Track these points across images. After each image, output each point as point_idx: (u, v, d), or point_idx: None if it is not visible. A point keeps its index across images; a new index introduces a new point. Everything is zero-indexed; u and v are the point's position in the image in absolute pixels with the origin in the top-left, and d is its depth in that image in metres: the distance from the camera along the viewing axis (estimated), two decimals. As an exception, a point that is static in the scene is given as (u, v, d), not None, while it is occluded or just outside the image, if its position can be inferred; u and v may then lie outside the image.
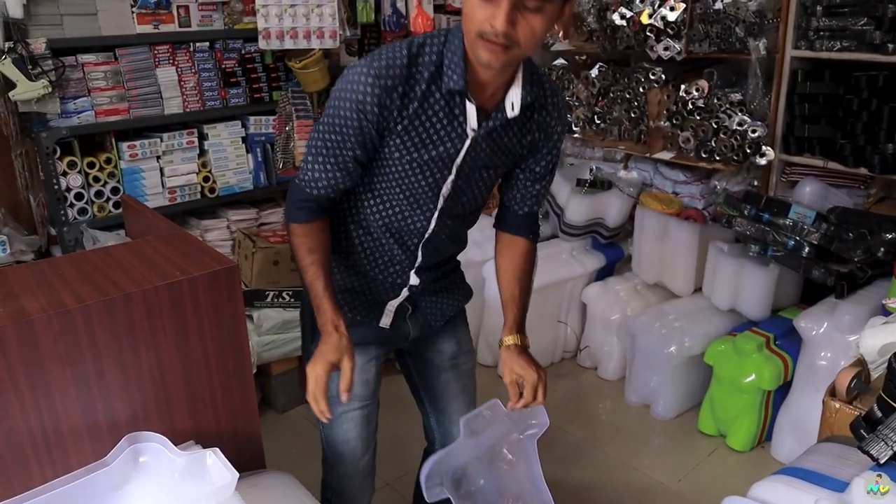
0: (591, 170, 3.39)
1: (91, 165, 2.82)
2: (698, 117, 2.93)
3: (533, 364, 1.51)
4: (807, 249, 2.62)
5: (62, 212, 2.79)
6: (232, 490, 1.21)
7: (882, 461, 1.27)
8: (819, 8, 2.66)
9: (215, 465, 1.24)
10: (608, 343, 3.19)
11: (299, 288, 2.36)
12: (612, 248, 3.41)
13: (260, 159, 3.18)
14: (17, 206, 3.03)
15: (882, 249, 2.52)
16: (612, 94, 3.25)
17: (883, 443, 1.29)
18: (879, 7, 2.52)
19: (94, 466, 1.24)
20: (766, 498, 1.34)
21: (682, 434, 2.85)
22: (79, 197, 2.81)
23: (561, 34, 3.35)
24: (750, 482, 1.40)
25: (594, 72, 3.28)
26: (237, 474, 1.21)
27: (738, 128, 2.83)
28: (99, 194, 2.85)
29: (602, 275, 3.35)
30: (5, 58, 2.52)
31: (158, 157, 2.94)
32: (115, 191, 2.88)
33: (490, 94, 1.36)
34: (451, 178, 1.42)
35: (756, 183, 3.01)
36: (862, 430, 1.37)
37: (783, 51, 2.78)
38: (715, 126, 2.88)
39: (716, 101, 2.87)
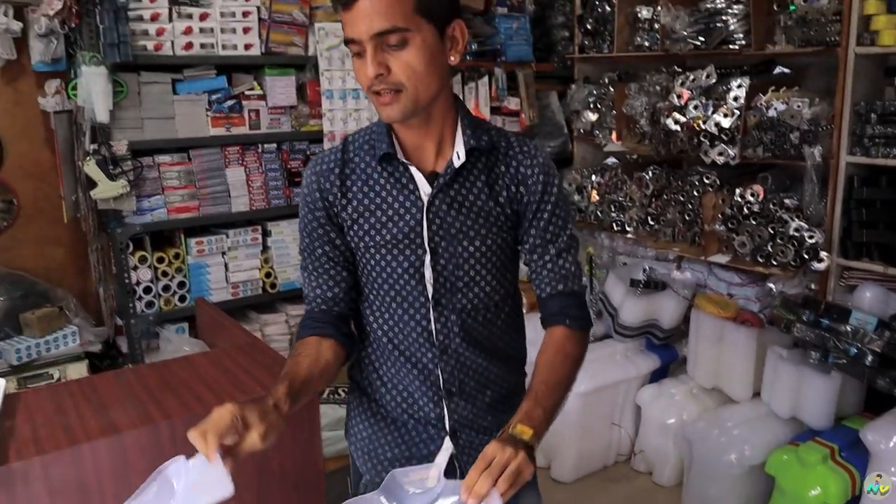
0: (644, 270, 3.40)
1: (160, 260, 2.94)
2: (754, 222, 2.94)
3: (513, 447, 1.09)
4: (870, 358, 2.57)
5: (131, 304, 2.89)
6: None
7: None
8: (873, 116, 2.69)
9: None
10: (664, 447, 3.12)
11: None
12: (667, 350, 3.37)
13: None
14: (86, 296, 3.15)
15: (951, 359, 2.46)
16: (665, 196, 3.29)
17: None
18: (935, 117, 2.54)
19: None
20: None
21: (744, 547, 2.74)
22: (147, 290, 2.91)
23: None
24: None
25: (648, 174, 3.34)
26: None
27: (795, 233, 2.84)
28: (166, 288, 2.95)
29: (656, 377, 3.31)
30: (90, 159, 2.67)
31: (224, 253, 3.05)
32: (181, 285, 2.98)
33: (435, 155, 1.29)
34: (428, 257, 1.28)
35: (813, 286, 2.98)
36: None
37: (838, 157, 2.80)
38: (771, 231, 2.89)
39: (772, 206, 2.89)
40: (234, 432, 1.04)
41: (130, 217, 2.84)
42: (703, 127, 3.00)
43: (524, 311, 1.49)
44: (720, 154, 2.99)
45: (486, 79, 3.64)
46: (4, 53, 2.76)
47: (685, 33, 3.08)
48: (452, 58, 1.23)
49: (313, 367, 1.25)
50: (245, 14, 2.93)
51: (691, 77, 3.06)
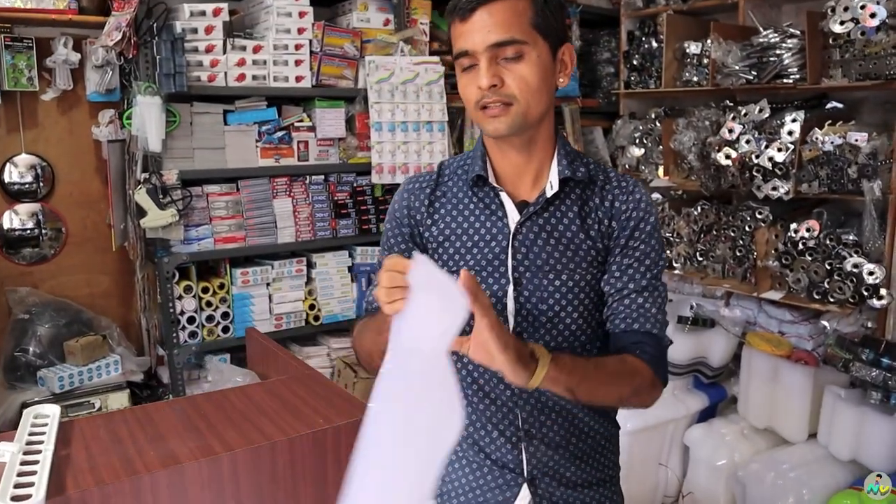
0: (691, 307, 3.33)
1: (205, 290, 2.93)
2: (809, 258, 2.86)
3: (513, 340, 1.01)
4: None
5: (174, 334, 2.88)
6: None
7: None
8: (934, 151, 2.62)
9: None
10: (713, 490, 3.01)
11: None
12: (716, 389, 3.28)
13: (364, 289, 3.25)
14: (128, 325, 3.16)
15: None
16: (714, 232, 3.22)
17: None
18: None
19: None
20: None
21: None
22: (191, 320, 2.90)
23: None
24: None
25: (696, 209, 3.28)
26: None
27: (854, 269, 2.75)
28: (210, 318, 2.94)
29: (704, 416, 3.21)
30: (141, 188, 2.69)
31: (268, 284, 3.04)
32: (224, 315, 2.97)
33: (531, 183, 1.26)
34: (511, 287, 1.23)
35: (870, 324, 2.89)
36: None
37: (897, 193, 2.73)
38: (829, 267, 2.81)
39: (828, 241, 2.81)
40: None
41: (178, 246, 2.85)
42: (755, 161, 2.95)
43: None
44: (773, 189, 2.93)
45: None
46: (62, 84, 2.81)
47: (737, 68, 3.05)
48: (561, 79, 1.22)
49: None
50: (297, 47, 2.96)
51: (743, 111, 3.02)
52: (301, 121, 3.05)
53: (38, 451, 1.24)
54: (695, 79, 3.36)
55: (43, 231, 2.97)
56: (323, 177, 3.13)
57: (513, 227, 1.23)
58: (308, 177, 3.09)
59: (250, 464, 1.30)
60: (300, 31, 2.97)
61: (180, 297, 2.88)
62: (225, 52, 2.83)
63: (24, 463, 1.19)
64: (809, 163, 2.84)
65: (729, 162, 3.03)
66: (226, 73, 2.84)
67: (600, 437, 1.32)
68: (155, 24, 2.66)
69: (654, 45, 3.58)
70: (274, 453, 1.32)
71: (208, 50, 2.80)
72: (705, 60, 3.27)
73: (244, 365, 2.15)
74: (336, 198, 3.16)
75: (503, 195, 1.25)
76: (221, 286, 2.96)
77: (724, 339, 3.21)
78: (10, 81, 2.74)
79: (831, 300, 2.84)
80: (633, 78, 3.74)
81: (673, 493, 3.20)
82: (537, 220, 1.24)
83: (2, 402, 2.69)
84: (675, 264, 3.38)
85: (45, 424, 1.35)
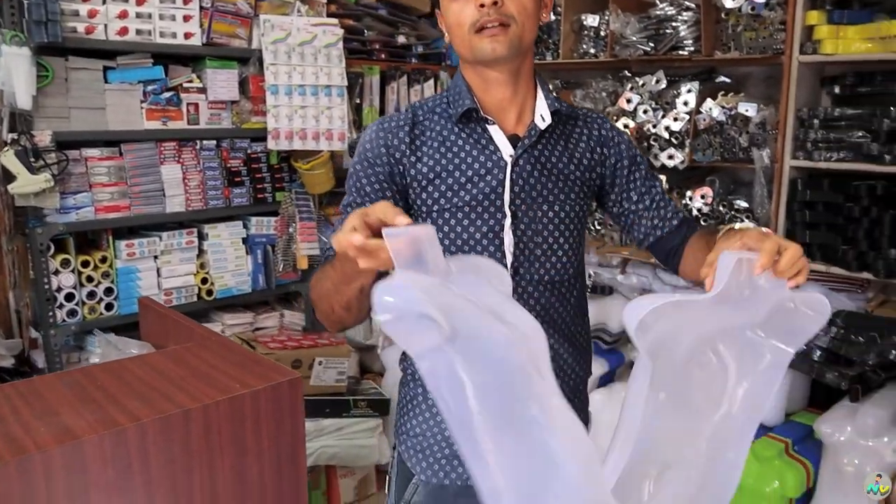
0: (589, 275, 3.39)
1: (85, 264, 2.69)
2: (704, 223, 2.97)
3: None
4: (818, 353, 2.63)
5: (50, 313, 2.62)
6: None
7: None
8: (816, 121, 2.77)
9: None
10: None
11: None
12: (615, 354, 3.36)
13: (260, 261, 3.08)
14: (-5, 305, 2.86)
15: (894, 352, 2.54)
16: (613, 200, 3.29)
17: None
18: (874, 121, 2.63)
19: None
20: None
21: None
22: (69, 297, 2.65)
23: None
24: None
25: (595, 178, 3.33)
26: None
27: (744, 235, 2.88)
28: (91, 295, 2.70)
29: (605, 381, 3.29)
30: (8, 149, 2.42)
31: (156, 257, 2.83)
32: (108, 291, 2.73)
33: (515, 118, 1.29)
34: (508, 220, 1.24)
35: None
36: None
37: (782, 161, 2.86)
38: (721, 233, 2.93)
39: (721, 208, 2.93)
40: None
41: (53, 216, 2.59)
42: (653, 131, 3.02)
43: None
44: (670, 158, 3.01)
45: (431, 82, 3.57)
46: None
47: (634, 39, 3.10)
48: (544, 15, 1.28)
49: None
50: (186, 1, 2.74)
51: (641, 82, 3.09)
52: (190, 81, 2.83)
53: None
54: (592, 51, 3.40)
55: None
56: (215, 142, 2.93)
57: (509, 160, 1.25)
58: (199, 142, 2.88)
59: (160, 435, 1.18)
60: (189, -17, 2.75)
61: (56, 273, 2.62)
62: (105, 1, 2.58)
63: None
64: (704, 132, 2.94)
65: (627, 132, 3.09)
66: (106, 26, 2.59)
67: (578, 377, 1.37)
68: (23, -36, 2.38)
69: (552, 17, 3.59)
70: (188, 422, 1.21)
71: (85, -2, 2.54)
72: (602, 33, 3.32)
73: (134, 344, 1.98)
74: (229, 165, 2.97)
75: (493, 129, 1.26)
76: (104, 259, 2.72)
77: (622, 305, 3.27)
78: None
79: (723, 264, 2.95)
80: (531, 50, 3.75)
81: (575, 458, 3.26)
82: (532, 153, 1.27)
83: None
84: (574, 234, 3.42)
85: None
